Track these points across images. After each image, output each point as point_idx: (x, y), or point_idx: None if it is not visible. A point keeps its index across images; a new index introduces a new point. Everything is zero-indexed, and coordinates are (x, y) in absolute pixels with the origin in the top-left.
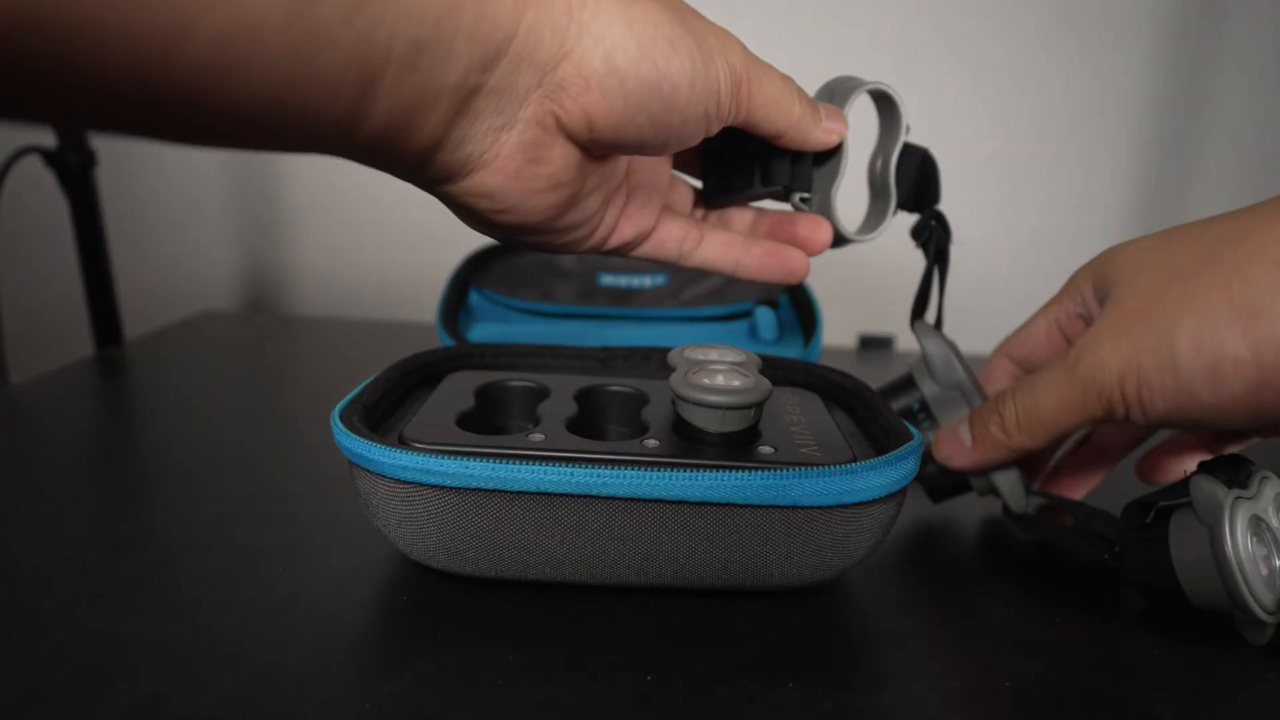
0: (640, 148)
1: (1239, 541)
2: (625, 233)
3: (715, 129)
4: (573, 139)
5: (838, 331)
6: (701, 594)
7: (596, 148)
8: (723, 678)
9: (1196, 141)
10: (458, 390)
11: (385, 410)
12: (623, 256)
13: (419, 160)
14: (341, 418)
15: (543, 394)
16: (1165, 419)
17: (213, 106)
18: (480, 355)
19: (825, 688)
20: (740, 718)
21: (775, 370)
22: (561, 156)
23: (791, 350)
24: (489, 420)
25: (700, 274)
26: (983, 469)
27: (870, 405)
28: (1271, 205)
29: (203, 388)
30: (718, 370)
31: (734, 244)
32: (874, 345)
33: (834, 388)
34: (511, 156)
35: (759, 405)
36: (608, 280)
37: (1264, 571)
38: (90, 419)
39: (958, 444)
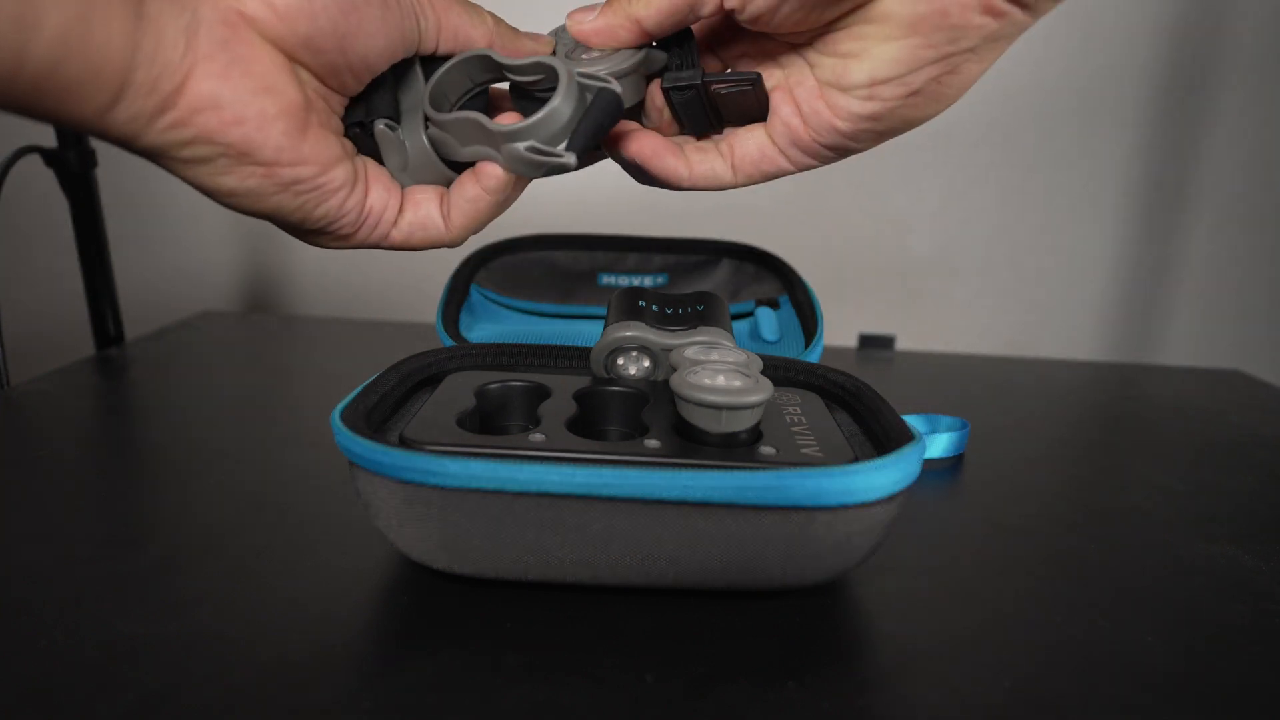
0: (332, 51)
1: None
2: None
3: (410, 38)
4: (265, 34)
5: (838, 331)
6: (702, 594)
7: (317, 49)
8: (723, 678)
9: (1196, 141)
10: (458, 390)
11: (386, 411)
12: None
13: (117, 88)
14: (342, 418)
15: (543, 394)
16: (756, 13)
17: None
18: (480, 355)
19: (825, 688)
20: (740, 718)
21: (776, 370)
22: (267, 56)
23: (792, 350)
24: (489, 420)
25: (701, 275)
26: (609, 43)
27: (871, 406)
28: None
29: (203, 388)
30: (718, 370)
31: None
32: (874, 345)
33: (835, 388)
34: (212, 55)
35: (760, 405)
36: (608, 280)
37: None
38: (90, 419)
39: (586, 12)
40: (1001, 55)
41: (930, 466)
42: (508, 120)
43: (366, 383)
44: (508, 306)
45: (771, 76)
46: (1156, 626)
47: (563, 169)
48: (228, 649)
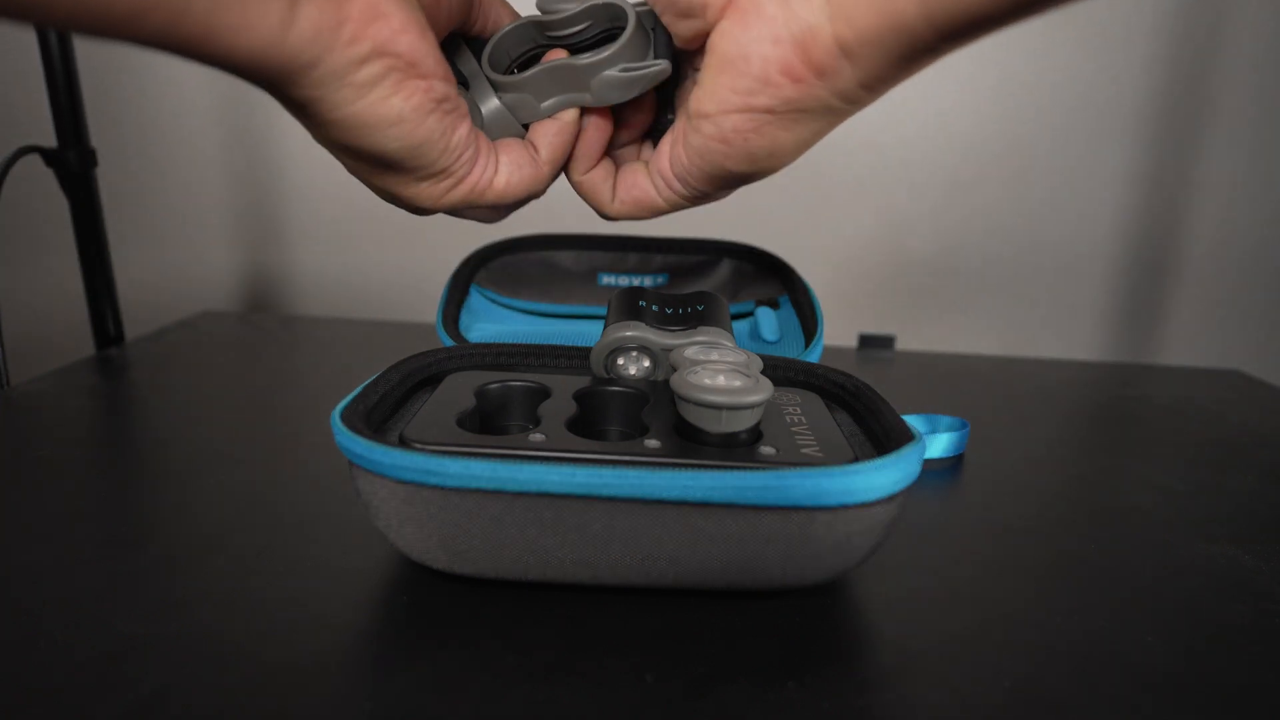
0: None
1: None
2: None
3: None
4: None
5: (838, 331)
6: (702, 594)
7: None
8: (723, 678)
9: (1197, 142)
10: (458, 390)
11: (386, 411)
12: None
13: None
14: (342, 418)
15: (543, 394)
16: None
17: None
18: (480, 355)
19: (825, 688)
20: (740, 718)
21: (776, 370)
22: None
23: (792, 351)
24: (489, 420)
25: (701, 275)
26: None
27: (871, 406)
28: None
29: (203, 388)
30: (718, 370)
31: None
32: (874, 345)
33: (835, 388)
34: None
35: (760, 405)
36: (608, 280)
37: None
38: (90, 419)
39: None
40: (819, 136)
41: (930, 466)
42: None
43: (366, 383)
44: (508, 306)
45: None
46: (1156, 626)
47: (660, 76)
48: (228, 649)
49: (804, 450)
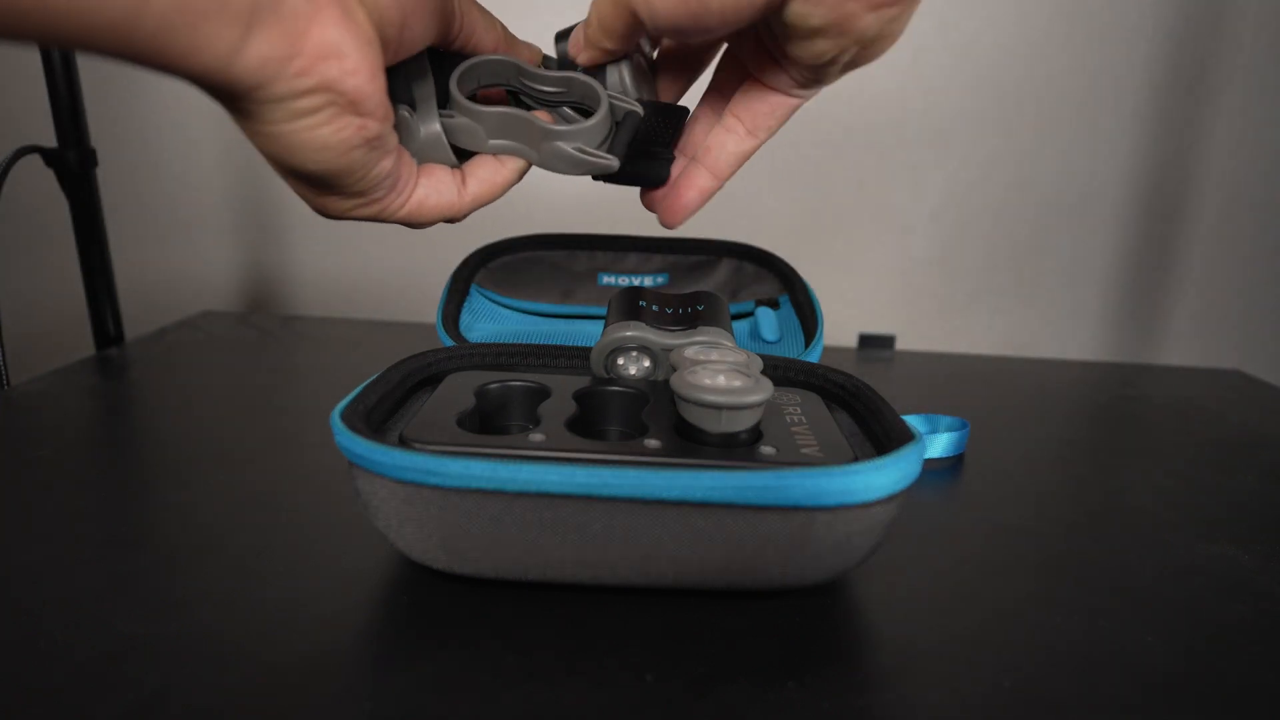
0: (396, 23)
1: None
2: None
3: (446, 28)
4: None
5: (838, 331)
6: (702, 594)
7: (383, 13)
8: (723, 678)
9: (1197, 141)
10: (458, 390)
11: (386, 411)
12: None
13: (245, 24)
14: (342, 418)
15: (543, 394)
16: (674, 27)
17: None
18: (480, 355)
19: (825, 688)
20: (740, 718)
21: (776, 370)
22: (362, 10)
23: (792, 351)
24: (489, 420)
25: (701, 275)
26: (593, 63)
27: (871, 406)
28: None
29: (203, 388)
30: (718, 370)
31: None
32: (874, 345)
33: (835, 388)
34: (330, 4)
35: (760, 405)
36: (608, 280)
37: None
38: (90, 419)
39: (576, 40)
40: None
41: (930, 466)
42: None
43: (366, 383)
44: (508, 306)
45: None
46: (1156, 626)
47: (606, 169)
48: (228, 649)
49: (804, 450)
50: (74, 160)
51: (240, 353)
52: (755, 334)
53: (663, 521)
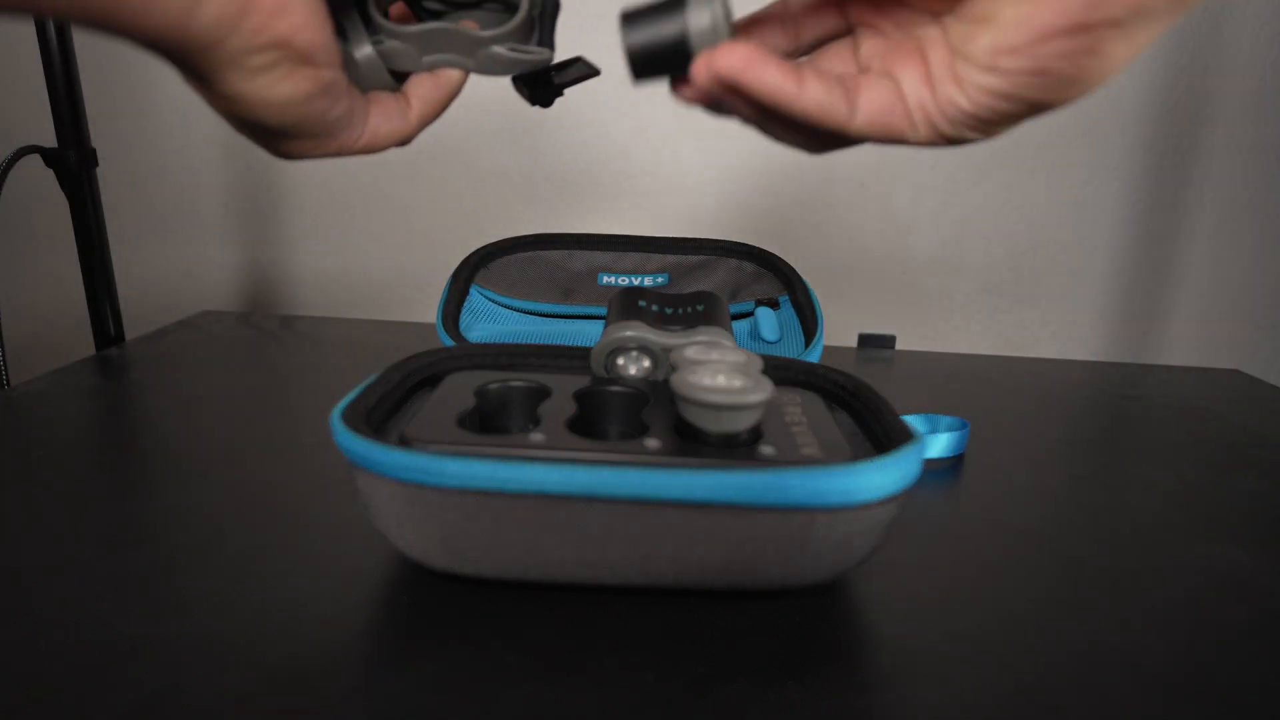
0: None
1: None
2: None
3: None
4: None
5: (838, 331)
6: (703, 594)
7: None
8: (723, 678)
9: (1197, 142)
10: (458, 391)
11: (386, 411)
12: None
13: None
14: (342, 418)
15: (543, 394)
16: None
17: None
18: (480, 355)
19: (825, 688)
20: (740, 718)
21: (776, 370)
22: None
23: (793, 350)
24: (490, 420)
25: (701, 275)
26: None
27: (871, 406)
28: None
29: (203, 387)
30: (718, 370)
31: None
32: (874, 345)
33: (835, 388)
34: None
35: (760, 405)
36: (608, 280)
37: None
38: (90, 419)
39: None
40: (1156, 38)
41: (930, 466)
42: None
43: (366, 383)
44: (508, 306)
45: (906, 41)
46: (1157, 626)
47: (543, 62)
48: (228, 649)
49: (804, 450)
50: (74, 160)
51: (240, 353)
52: (755, 334)
53: (663, 521)
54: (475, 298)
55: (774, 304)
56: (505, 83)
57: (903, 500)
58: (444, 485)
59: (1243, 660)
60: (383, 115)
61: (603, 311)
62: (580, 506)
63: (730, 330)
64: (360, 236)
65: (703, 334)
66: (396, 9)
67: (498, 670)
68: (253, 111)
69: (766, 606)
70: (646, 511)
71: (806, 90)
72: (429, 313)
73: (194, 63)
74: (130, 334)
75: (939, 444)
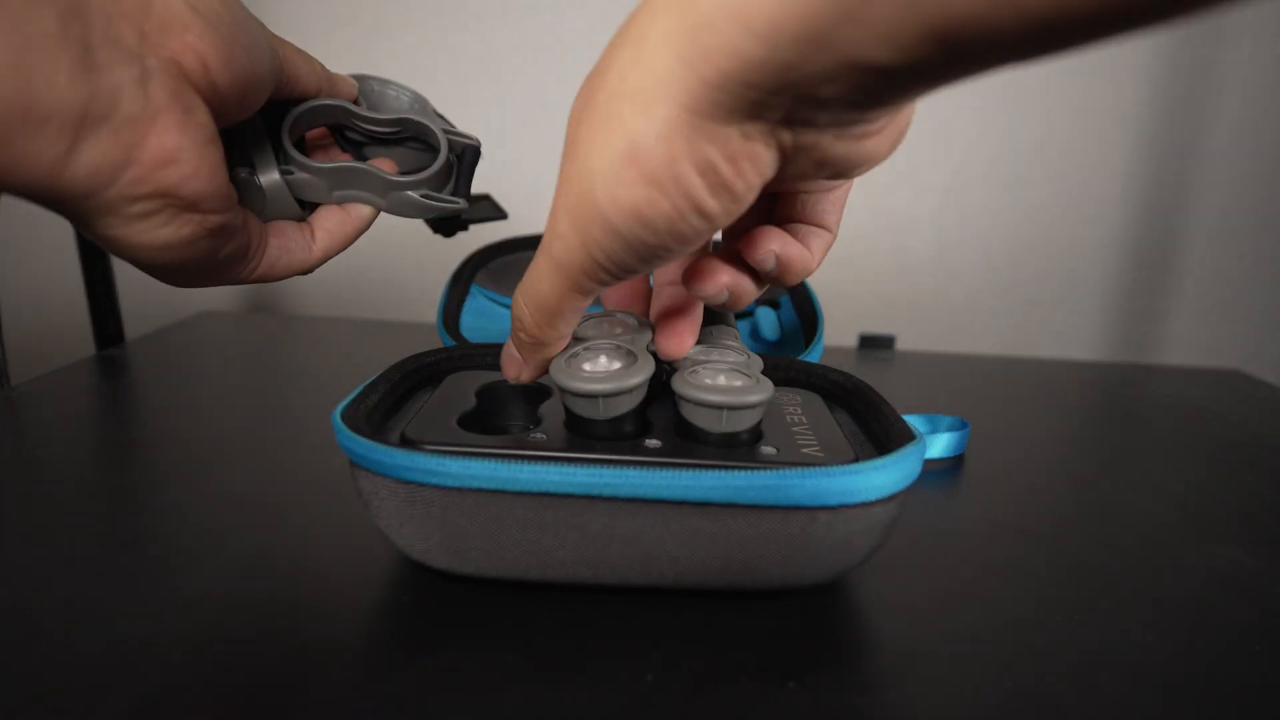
0: (235, 100)
1: None
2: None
3: (278, 83)
4: (196, 86)
5: (838, 331)
6: (703, 594)
7: (224, 97)
8: (723, 678)
9: (1197, 142)
10: (459, 390)
11: (386, 410)
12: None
13: (72, 136)
14: (342, 418)
15: (543, 394)
16: (634, 265)
17: None
18: (481, 355)
19: (826, 688)
20: (740, 718)
21: (777, 370)
22: (202, 106)
23: (793, 351)
24: (490, 420)
25: None
26: (543, 370)
27: (872, 406)
28: (628, 22)
29: (203, 387)
30: (719, 370)
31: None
32: (874, 345)
33: (835, 388)
34: (169, 106)
35: (761, 405)
36: None
37: None
38: (90, 419)
39: (512, 359)
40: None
41: (930, 466)
42: (386, 167)
43: (367, 383)
44: (508, 306)
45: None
46: (1156, 626)
47: (456, 211)
48: (228, 649)
49: (804, 450)
50: None
51: (240, 353)
52: (755, 334)
53: (663, 521)
54: (475, 298)
55: (774, 304)
56: (494, 89)
57: (903, 500)
58: (444, 485)
59: (1243, 660)
60: (282, 247)
61: (602, 311)
62: (580, 506)
63: (735, 329)
64: (360, 236)
65: (703, 334)
66: (316, 133)
67: (498, 670)
68: (134, 253)
69: (766, 606)
70: (647, 511)
71: (815, 252)
72: (429, 313)
73: (66, 209)
74: (130, 334)
75: (939, 444)
